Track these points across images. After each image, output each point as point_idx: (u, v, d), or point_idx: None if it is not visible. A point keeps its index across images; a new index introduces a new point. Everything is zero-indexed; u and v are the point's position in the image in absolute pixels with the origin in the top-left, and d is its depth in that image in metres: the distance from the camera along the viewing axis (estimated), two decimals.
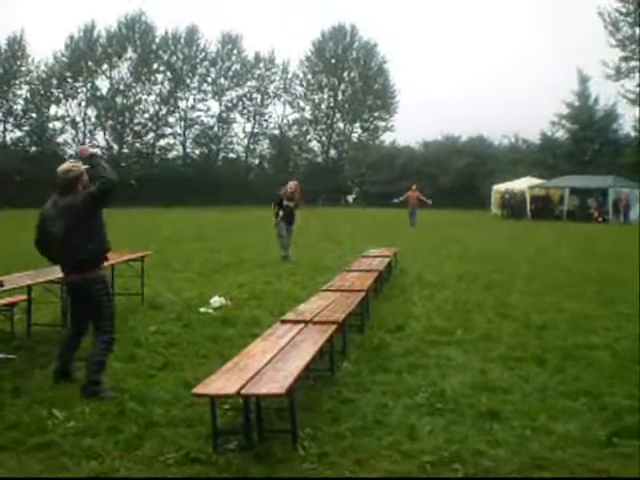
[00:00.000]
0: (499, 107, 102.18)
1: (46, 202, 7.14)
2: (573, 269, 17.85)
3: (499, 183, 55.08)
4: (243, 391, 5.26)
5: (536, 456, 5.37)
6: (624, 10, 57.89)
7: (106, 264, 11.04)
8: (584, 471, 5.11)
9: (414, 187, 38.02)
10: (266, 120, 78.68)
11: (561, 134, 67.56)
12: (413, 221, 36.27)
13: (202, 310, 11.31)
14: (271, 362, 6.01)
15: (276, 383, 5.38)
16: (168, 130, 74.33)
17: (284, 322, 7.94)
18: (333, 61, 79.21)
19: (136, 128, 71.92)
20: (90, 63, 68.95)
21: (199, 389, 5.39)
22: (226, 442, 5.55)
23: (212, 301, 11.80)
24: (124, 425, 5.98)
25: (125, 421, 6.09)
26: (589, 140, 62.63)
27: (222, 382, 5.44)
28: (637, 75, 58.64)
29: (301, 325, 7.66)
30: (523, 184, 52.25)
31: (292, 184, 19.50)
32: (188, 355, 8.49)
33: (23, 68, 66.08)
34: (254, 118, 77.54)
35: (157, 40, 72.53)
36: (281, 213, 18.82)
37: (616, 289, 14.16)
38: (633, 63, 58.56)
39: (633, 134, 62.34)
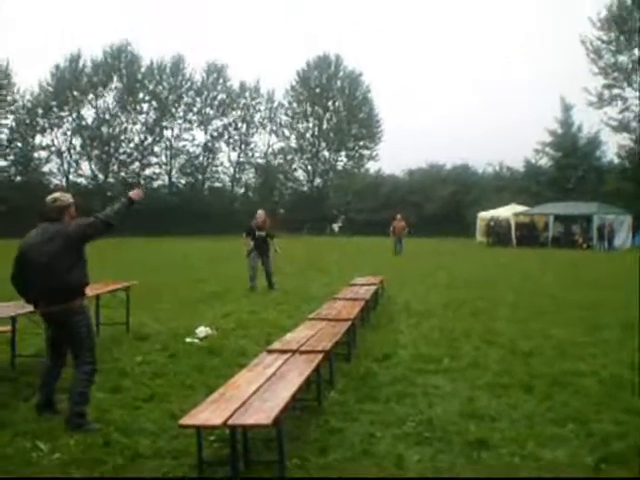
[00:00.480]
0: (483, 135, 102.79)
1: (30, 231, 7.10)
2: (558, 296, 17.88)
3: (484, 211, 55.28)
4: (230, 422, 5.22)
5: None
6: (606, 38, 58.75)
7: (90, 294, 11.04)
8: None
9: (399, 216, 38.49)
10: (251, 149, 79.20)
11: (545, 161, 68.15)
12: (399, 249, 36.75)
13: (188, 340, 11.24)
14: (258, 392, 5.97)
15: (263, 413, 5.34)
16: (154, 159, 74.62)
17: (270, 352, 7.90)
18: (318, 90, 79.75)
19: (121, 157, 72.06)
20: (76, 92, 69.15)
21: (185, 420, 5.35)
22: (213, 473, 5.51)
23: (198, 331, 11.73)
24: (109, 457, 5.92)
25: (110, 452, 6.03)
26: (573, 167, 63.07)
27: (208, 413, 5.40)
28: (619, 102, 59.37)
29: (287, 355, 7.63)
30: (508, 211, 52.47)
31: (259, 213, 19.50)
32: (174, 386, 8.42)
33: (9, 97, 66.08)
34: (239, 147, 77.93)
35: (143, 70, 72.89)
36: (251, 244, 18.85)
37: (602, 316, 14.18)
38: (615, 91, 59.31)
39: (616, 161, 62.96)
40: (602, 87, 59.55)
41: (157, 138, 74.11)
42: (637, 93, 58.39)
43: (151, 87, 73.02)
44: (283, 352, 7.78)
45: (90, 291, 11.61)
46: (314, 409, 7.41)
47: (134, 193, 7.16)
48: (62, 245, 6.77)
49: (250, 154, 79.18)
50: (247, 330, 12.40)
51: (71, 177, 69.75)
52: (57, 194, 7.20)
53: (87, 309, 7.25)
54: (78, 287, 7.00)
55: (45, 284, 6.88)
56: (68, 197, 7.14)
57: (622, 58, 58.93)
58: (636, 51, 57.97)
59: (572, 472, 5.61)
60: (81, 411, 6.78)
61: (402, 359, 9.96)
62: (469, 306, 15.74)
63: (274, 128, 79.85)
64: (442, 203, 66.58)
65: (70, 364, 7.22)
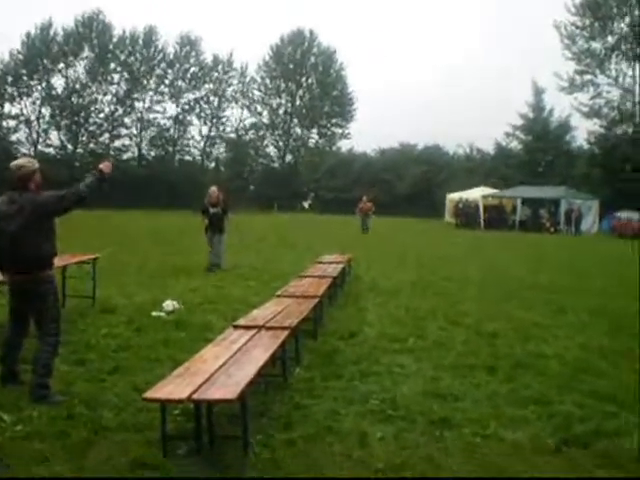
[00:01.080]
0: (455, 117, 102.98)
1: None
2: (524, 278, 18.04)
3: (453, 192, 55.57)
4: (194, 396, 5.21)
5: (486, 463, 5.41)
6: (580, 24, 58.99)
7: (56, 265, 10.94)
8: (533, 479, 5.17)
9: (364, 198, 39.12)
10: (223, 124, 78.64)
11: (515, 145, 68.63)
12: (365, 227, 37.15)
13: (154, 314, 11.19)
14: (223, 367, 5.96)
15: (228, 388, 5.34)
16: (124, 131, 73.81)
17: (237, 327, 7.90)
18: (291, 66, 79.34)
19: (91, 128, 71.25)
20: (46, 61, 68.20)
21: (149, 394, 5.32)
22: (176, 448, 5.51)
23: (164, 305, 11.68)
24: (73, 429, 5.89)
25: (74, 425, 6.00)
26: (542, 151, 63.56)
27: (173, 387, 5.39)
28: (591, 89, 59.75)
29: (254, 330, 7.63)
30: (477, 193, 52.79)
31: (212, 189, 18.97)
32: (139, 359, 8.38)
33: None
34: (211, 121, 77.38)
35: (114, 40, 71.87)
36: (206, 222, 18.38)
37: (566, 299, 14.33)
38: (587, 77, 59.66)
39: (586, 147, 63.47)
40: (574, 72, 59.94)
41: (128, 109, 73.38)
42: (609, 80, 58.85)
43: (122, 58, 72.13)
44: (249, 328, 7.78)
45: (57, 262, 11.56)
46: (279, 385, 7.43)
47: (104, 165, 7.08)
48: (32, 216, 6.69)
49: (221, 128, 78.77)
50: (214, 305, 12.38)
51: (40, 147, 68.91)
52: (22, 160, 7.11)
53: (54, 280, 7.18)
54: (47, 258, 6.95)
55: (13, 254, 6.81)
56: (34, 163, 7.04)
57: (595, 45, 59.30)
58: (610, 38, 58.36)
59: (534, 453, 5.68)
60: (45, 382, 6.74)
61: (368, 337, 10.00)
62: (436, 286, 15.84)
63: (246, 103, 79.47)
64: (413, 182, 66.87)
65: (32, 335, 7.17)
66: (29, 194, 6.79)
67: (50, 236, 6.94)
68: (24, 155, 59.44)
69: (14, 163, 6.98)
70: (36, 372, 6.77)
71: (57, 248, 7.13)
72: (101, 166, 7.06)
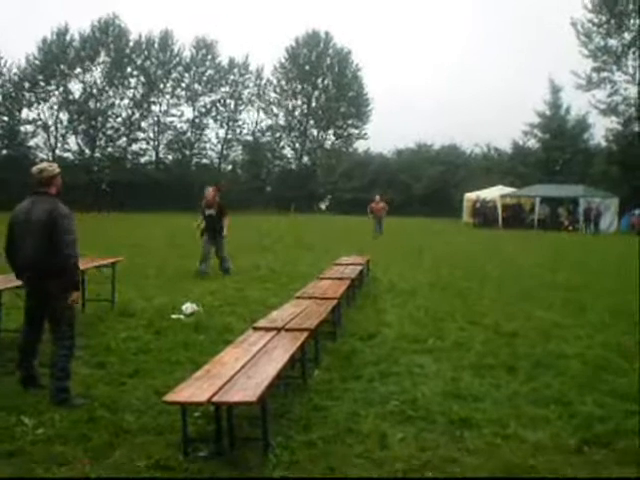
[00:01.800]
0: (472, 116, 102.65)
1: (21, 203, 7.07)
2: (544, 277, 17.96)
3: (471, 191, 55.36)
4: (214, 399, 5.23)
5: (507, 463, 5.39)
6: (597, 21, 58.63)
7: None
8: (554, 478, 5.14)
9: (377, 197, 36.56)
10: (239, 126, 78.83)
11: (532, 143, 68.35)
12: (378, 230, 34.19)
13: (174, 317, 11.23)
14: (243, 369, 5.98)
15: (248, 391, 5.35)
16: (141, 135, 74.12)
17: (256, 329, 7.91)
18: (307, 68, 79.46)
19: (109, 132, 71.52)
20: (63, 66, 68.47)
21: (170, 397, 5.35)
22: (197, 450, 5.53)
23: (184, 308, 11.72)
24: (94, 432, 5.93)
25: (95, 428, 6.03)
26: (560, 149, 63.23)
27: (193, 390, 5.41)
28: (608, 86, 59.39)
29: (273, 332, 7.64)
30: (495, 193, 52.58)
31: (208, 190, 17.87)
32: (159, 362, 8.42)
33: None
34: (227, 124, 77.55)
35: (131, 44, 72.19)
36: (202, 224, 17.39)
37: (587, 298, 14.25)
38: (604, 74, 59.28)
39: (604, 144, 63.10)
40: (591, 70, 59.56)
41: (145, 113, 73.69)
42: (626, 77, 58.49)
43: (139, 62, 72.43)
44: (269, 330, 7.79)
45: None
46: (299, 387, 7.43)
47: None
48: (52, 222, 6.72)
49: (238, 131, 78.95)
50: (233, 307, 12.41)
51: (57, 152, 69.10)
52: (43, 164, 7.16)
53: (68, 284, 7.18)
54: (66, 263, 6.91)
55: (32, 258, 6.85)
56: (54, 167, 7.08)
57: (612, 41, 58.91)
58: (626, 35, 57.98)
59: (554, 453, 5.66)
60: (64, 386, 6.77)
61: (387, 338, 10.00)
62: (454, 287, 15.79)
63: (262, 105, 79.65)
64: (429, 183, 66.77)
65: (48, 339, 7.18)
66: (50, 200, 6.83)
67: (69, 242, 6.87)
68: (42, 160, 59.82)
69: (35, 167, 7.03)
70: (54, 376, 6.80)
71: (77, 253, 7.07)
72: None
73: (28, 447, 5.59)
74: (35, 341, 7.25)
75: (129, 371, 7.95)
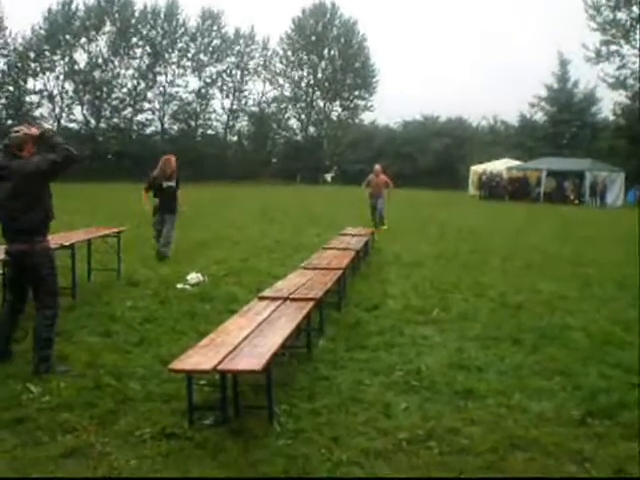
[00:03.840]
0: (479, 89, 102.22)
1: None
2: (549, 250, 17.94)
3: (477, 164, 55.19)
4: (220, 367, 5.24)
5: (510, 435, 5.41)
6: None
7: (81, 239, 11.02)
8: (558, 451, 5.15)
9: (378, 167, 23.93)
10: (245, 97, 78.46)
11: (540, 116, 67.95)
12: (378, 217, 22.96)
13: (179, 286, 11.25)
14: (248, 338, 5.99)
15: (253, 359, 5.37)
16: (146, 105, 73.74)
17: (261, 299, 7.92)
18: (313, 38, 78.90)
19: (114, 103, 71.15)
20: (68, 36, 68.03)
21: (175, 365, 5.36)
22: (202, 418, 5.56)
23: (189, 277, 11.74)
24: (100, 400, 5.96)
25: (101, 396, 6.07)
26: (567, 123, 62.93)
27: (198, 358, 5.42)
28: (617, 59, 58.95)
29: (278, 302, 7.65)
30: (501, 165, 52.42)
31: (169, 157, 15.03)
32: (164, 331, 8.45)
33: (0, 40, 65.06)
34: (233, 94, 77.20)
35: (136, 14, 71.58)
36: (156, 201, 14.66)
37: (592, 271, 14.25)
38: (613, 47, 58.80)
39: (611, 118, 62.76)
40: (600, 43, 59.05)
41: (150, 84, 73.22)
42: (635, 50, 57.96)
43: (145, 32, 71.91)
44: (274, 299, 7.80)
45: (82, 235, 11.67)
46: (304, 356, 7.46)
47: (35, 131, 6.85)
48: (22, 182, 6.57)
49: (244, 102, 78.57)
50: (238, 277, 12.43)
51: (63, 122, 69.02)
52: (21, 127, 6.93)
53: (51, 251, 7.13)
54: (41, 224, 6.83)
55: (5, 222, 6.80)
56: (33, 130, 6.84)
57: (621, 15, 58.29)
58: (635, 8, 57.31)
59: (558, 424, 5.67)
60: (47, 355, 6.74)
61: (392, 309, 10.02)
62: (459, 259, 15.79)
63: (268, 76, 79.21)
64: (436, 155, 66.54)
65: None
66: (20, 160, 6.64)
67: (40, 205, 6.76)
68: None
69: (14, 130, 6.89)
70: (37, 346, 6.75)
71: (52, 215, 6.97)
72: (38, 132, 6.84)
73: (34, 414, 5.62)
74: (15, 312, 7.10)
75: (134, 340, 7.98)
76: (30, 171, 6.59)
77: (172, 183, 14.65)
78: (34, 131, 6.80)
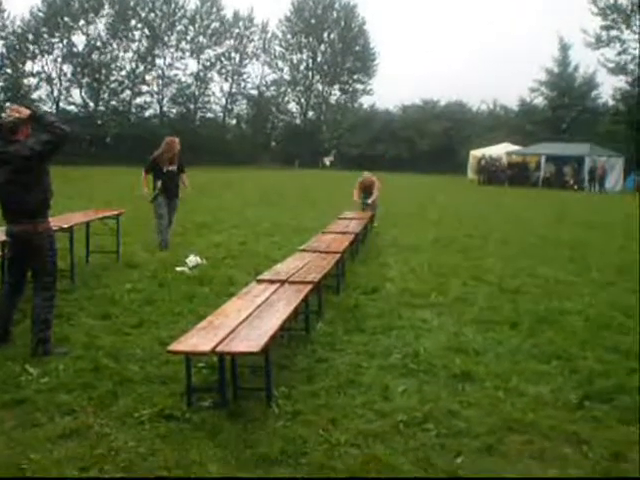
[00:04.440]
0: (478, 72, 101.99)
1: None
2: (548, 235, 17.94)
3: (476, 149, 55.10)
4: (218, 349, 5.25)
5: (508, 417, 5.43)
6: None
7: (81, 221, 11.01)
8: (555, 434, 5.17)
9: (366, 174, 18.89)
10: (244, 80, 78.14)
11: (540, 101, 67.83)
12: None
13: (178, 269, 11.26)
14: (247, 320, 6.00)
15: (252, 341, 5.37)
16: (145, 88, 73.47)
17: (260, 281, 7.92)
18: (313, 21, 78.62)
19: (112, 85, 70.81)
20: (66, 19, 67.57)
21: (174, 346, 5.37)
22: (200, 400, 5.57)
23: (188, 260, 11.74)
24: (98, 381, 5.98)
25: (99, 377, 6.09)
26: (567, 107, 62.90)
27: (197, 340, 5.43)
28: (617, 45, 58.78)
29: (277, 285, 7.65)
30: (500, 150, 52.32)
31: (172, 139, 14.23)
32: (163, 313, 8.46)
33: None
34: (232, 78, 76.89)
35: None
36: (159, 184, 13.56)
37: (591, 256, 14.26)
38: (614, 32, 58.63)
39: (611, 103, 62.66)
40: (600, 28, 58.89)
41: (149, 66, 72.89)
42: (635, 36, 57.77)
43: (143, 14, 71.41)
44: (272, 282, 7.80)
45: (81, 218, 11.66)
46: (302, 339, 7.48)
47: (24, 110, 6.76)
48: (20, 165, 6.58)
49: (243, 85, 78.29)
50: (237, 260, 12.44)
51: (61, 104, 68.78)
52: (13, 108, 6.87)
53: (53, 232, 7.10)
54: (41, 206, 6.82)
55: (7, 204, 6.80)
56: (25, 112, 6.74)
57: (622, 0, 58.15)
58: None
59: (555, 408, 5.69)
60: (45, 337, 6.75)
61: (390, 293, 10.04)
62: (458, 243, 15.80)
63: (267, 59, 78.95)
64: (435, 140, 66.47)
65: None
66: (17, 144, 6.61)
67: (38, 186, 6.76)
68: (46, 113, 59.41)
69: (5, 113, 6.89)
70: (36, 328, 6.77)
71: (52, 195, 6.95)
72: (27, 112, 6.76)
73: (33, 396, 5.64)
74: (15, 293, 7.12)
75: (133, 322, 7.99)
76: (26, 154, 6.56)
77: (174, 167, 13.76)
78: (25, 112, 6.76)
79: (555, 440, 5.08)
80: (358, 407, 5.58)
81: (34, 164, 6.65)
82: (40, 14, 67.04)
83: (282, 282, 7.80)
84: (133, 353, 6.80)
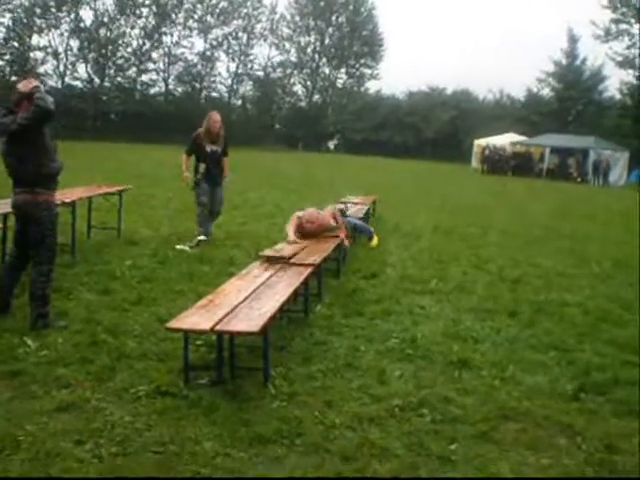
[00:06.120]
0: (486, 61, 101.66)
1: None
2: (549, 226, 17.94)
3: (481, 138, 54.99)
4: (217, 328, 5.26)
5: (503, 406, 5.45)
6: None
7: (83, 196, 10.99)
8: (550, 423, 5.19)
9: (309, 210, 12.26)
10: (251, 61, 77.66)
11: (546, 92, 67.73)
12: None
13: (178, 247, 11.25)
14: (246, 301, 6.01)
15: (251, 321, 5.39)
16: (151, 65, 73.11)
17: (260, 258, 7.98)
18: (322, 4, 78.14)
19: (119, 62, 70.50)
20: None
21: (173, 324, 5.38)
22: (197, 377, 5.59)
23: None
24: (96, 356, 6.00)
25: (97, 352, 6.10)
26: (573, 100, 62.76)
27: (196, 318, 5.44)
28: (626, 38, 58.56)
29: (277, 266, 7.66)
30: (505, 140, 52.24)
31: (215, 115, 12.40)
32: (163, 291, 8.47)
33: None
34: (239, 58, 76.49)
35: None
36: (202, 167, 12.09)
37: (591, 249, 14.26)
38: (623, 26, 58.43)
39: (618, 97, 62.50)
40: (610, 21, 58.69)
41: (155, 44, 72.56)
42: None
43: None
44: (273, 263, 7.81)
45: (83, 193, 11.64)
46: (301, 321, 7.50)
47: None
48: (9, 139, 6.69)
49: (249, 66, 77.84)
50: (238, 241, 12.43)
51: (67, 79, 68.53)
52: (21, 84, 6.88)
53: (54, 206, 7.09)
54: (34, 179, 6.78)
55: (9, 175, 6.88)
56: (28, 87, 6.70)
57: None
58: None
59: (551, 398, 5.71)
60: (45, 311, 6.77)
61: (390, 278, 10.04)
62: (459, 231, 15.79)
63: (275, 40, 78.55)
64: (440, 127, 66.42)
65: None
66: (10, 117, 6.65)
67: (34, 157, 6.73)
68: (52, 88, 59.37)
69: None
70: (34, 303, 6.78)
71: (50, 168, 6.86)
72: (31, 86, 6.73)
73: (30, 368, 5.65)
74: (18, 265, 7.17)
75: (133, 298, 7.99)
76: (13, 127, 6.61)
77: (217, 147, 12.25)
78: (28, 86, 6.76)
79: (549, 430, 5.10)
80: (354, 390, 5.60)
81: (21, 136, 6.65)
82: None
83: (282, 264, 7.81)
84: (132, 329, 6.81)
